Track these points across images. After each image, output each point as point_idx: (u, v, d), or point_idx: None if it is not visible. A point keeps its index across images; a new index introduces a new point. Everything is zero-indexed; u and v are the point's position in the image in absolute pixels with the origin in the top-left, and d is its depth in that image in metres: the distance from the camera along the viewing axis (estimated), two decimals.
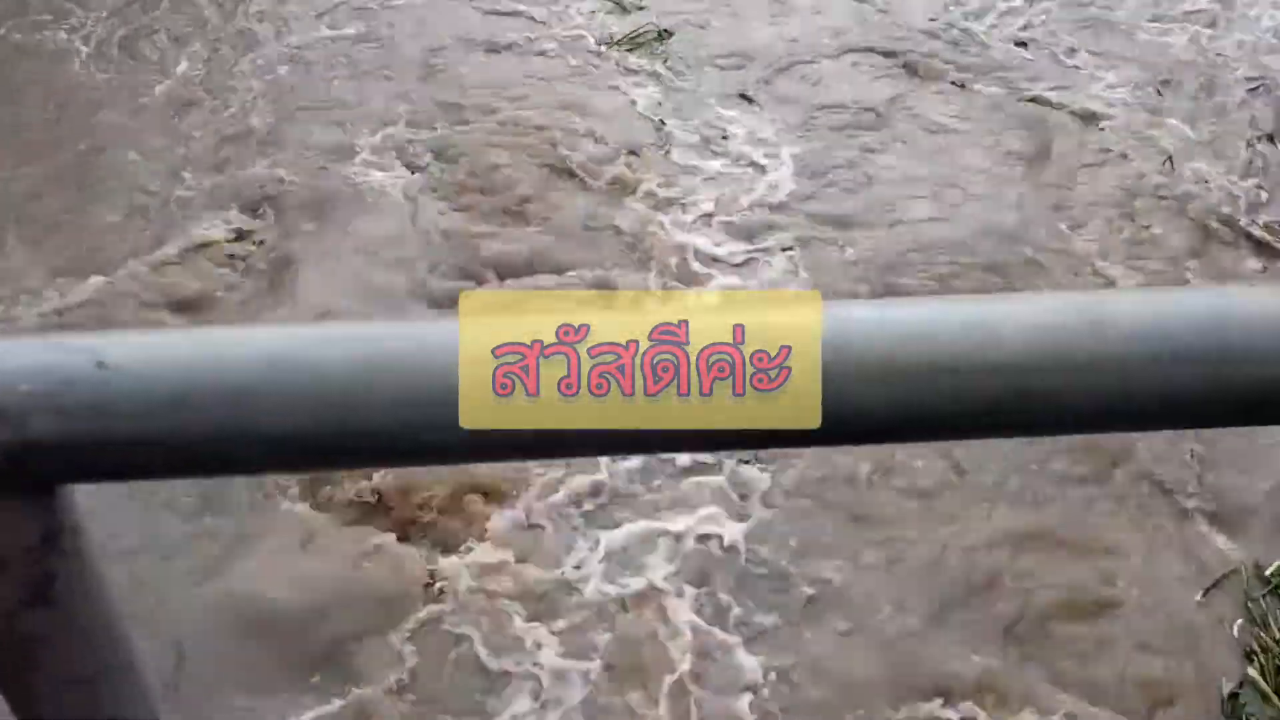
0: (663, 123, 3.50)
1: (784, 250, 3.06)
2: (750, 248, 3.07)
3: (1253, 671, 2.18)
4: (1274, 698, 2.12)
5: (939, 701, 2.14)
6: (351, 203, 3.16)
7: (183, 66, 3.68)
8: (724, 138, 3.46)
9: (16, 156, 3.32)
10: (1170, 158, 3.41)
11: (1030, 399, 0.50)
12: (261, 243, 3.05)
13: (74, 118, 3.47)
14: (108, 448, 0.46)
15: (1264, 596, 2.31)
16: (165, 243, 3.02)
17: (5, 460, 0.46)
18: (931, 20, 3.98)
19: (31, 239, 3.05)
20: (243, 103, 3.52)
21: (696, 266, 3.00)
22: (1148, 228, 3.18)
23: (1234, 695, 2.16)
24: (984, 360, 0.49)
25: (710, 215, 3.16)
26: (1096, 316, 0.50)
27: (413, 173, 3.26)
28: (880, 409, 0.49)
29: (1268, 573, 2.35)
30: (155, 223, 3.09)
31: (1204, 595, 2.31)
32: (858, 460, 2.51)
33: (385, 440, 0.48)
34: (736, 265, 3.02)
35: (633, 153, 3.36)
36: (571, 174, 3.26)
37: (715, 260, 3.03)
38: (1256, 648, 2.22)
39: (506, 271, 2.95)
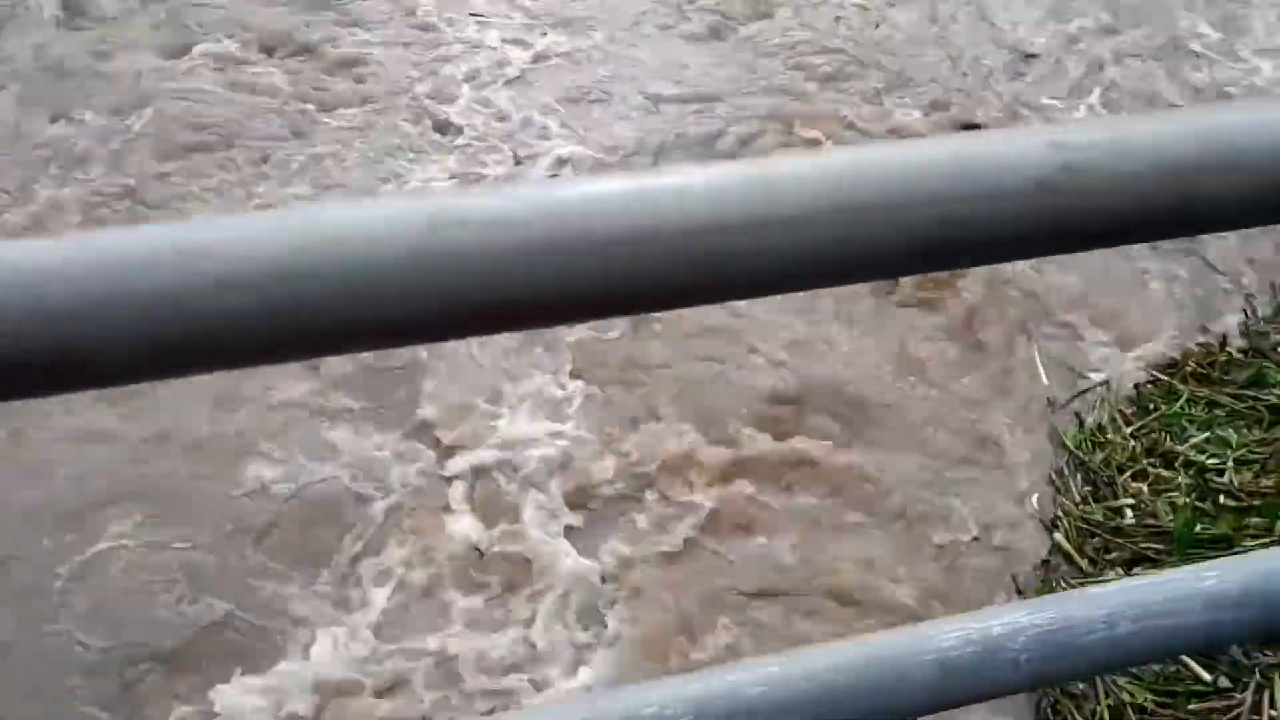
0: None
1: None
2: None
3: (1059, 536, 2.28)
4: (1077, 556, 2.23)
5: None
6: None
7: None
8: None
9: None
10: None
11: (703, 265, 0.48)
12: None
13: None
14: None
15: (1066, 464, 2.43)
16: None
17: None
18: None
19: None
20: None
21: None
22: None
23: (1045, 562, 2.26)
24: (665, 230, 0.49)
25: None
26: (766, 179, 0.50)
27: None
28: (572, 286, 0.49)
29: (1065, 440, 2.48)
30: None
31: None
32: None
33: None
34: None
35: None
36: None
37: None
38: (1060, 513, 2.33)
39: None
